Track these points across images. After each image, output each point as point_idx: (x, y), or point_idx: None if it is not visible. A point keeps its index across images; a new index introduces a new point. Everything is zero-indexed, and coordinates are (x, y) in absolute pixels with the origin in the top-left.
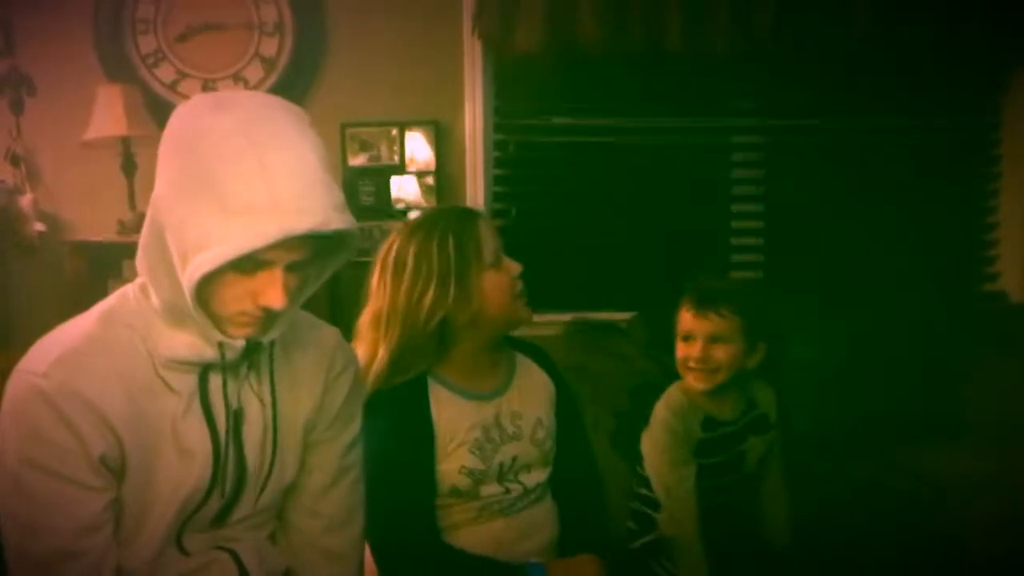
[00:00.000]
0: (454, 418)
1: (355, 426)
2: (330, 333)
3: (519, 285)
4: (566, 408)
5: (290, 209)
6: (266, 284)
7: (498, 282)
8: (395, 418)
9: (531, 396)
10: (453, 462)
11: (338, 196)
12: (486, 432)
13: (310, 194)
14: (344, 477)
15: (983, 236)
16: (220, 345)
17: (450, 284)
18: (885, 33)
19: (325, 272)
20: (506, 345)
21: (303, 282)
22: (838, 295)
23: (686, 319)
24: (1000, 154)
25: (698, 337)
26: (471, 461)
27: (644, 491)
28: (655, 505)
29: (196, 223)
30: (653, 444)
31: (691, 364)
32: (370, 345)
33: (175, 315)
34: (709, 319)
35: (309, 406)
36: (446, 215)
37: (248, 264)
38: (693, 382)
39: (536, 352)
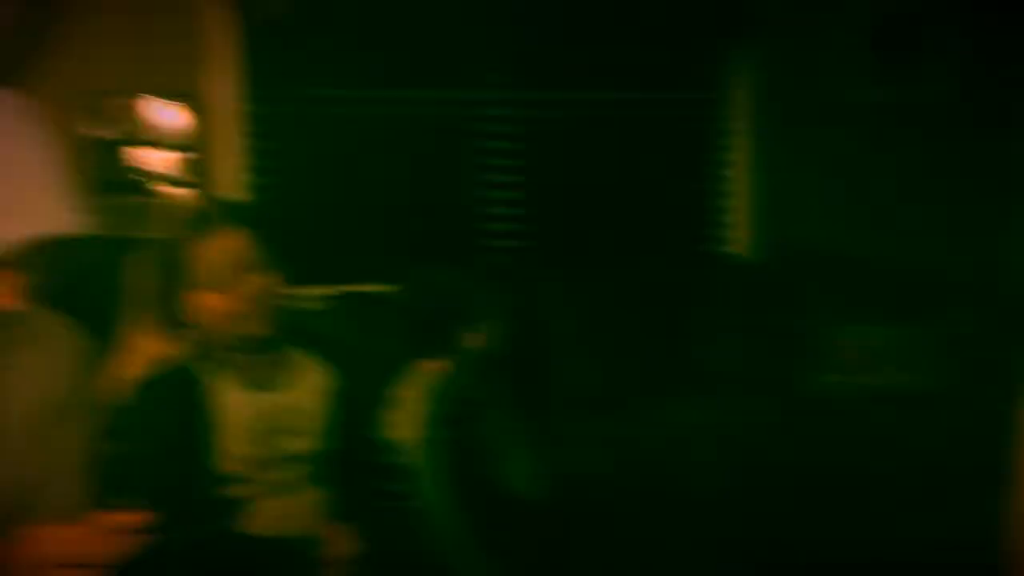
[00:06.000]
0: (232, 405)
1: None
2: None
3: (248, 306)
4: (340, 401)
5: None
6: None
7: (213, 304)
8: (175, 399)
9: (308, 393)
10: (230, 447)
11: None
12: (263, 422)
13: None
14: None
15: (718, 202)
16: None
17: (154, 305)
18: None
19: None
20: (288, 343)
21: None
22: (591, 263)
23: None
24: (728, 128)
25: None
26: (246, 449)
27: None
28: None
29: None
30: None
31: None
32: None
33: None
34: None
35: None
36: (161, 246)
37: None
38: None
39: (317, 349)
